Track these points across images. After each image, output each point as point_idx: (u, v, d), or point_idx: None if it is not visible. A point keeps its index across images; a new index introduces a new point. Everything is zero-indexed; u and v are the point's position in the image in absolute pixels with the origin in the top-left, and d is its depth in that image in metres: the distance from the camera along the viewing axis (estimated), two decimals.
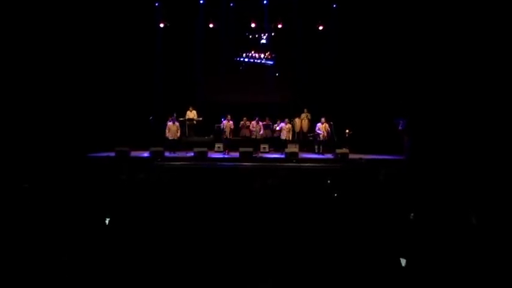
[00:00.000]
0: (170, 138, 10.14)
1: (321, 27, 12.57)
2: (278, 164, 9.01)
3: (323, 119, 10.47)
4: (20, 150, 8.29)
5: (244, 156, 9.33)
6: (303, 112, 11.88)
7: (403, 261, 2.38)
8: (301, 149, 10.96)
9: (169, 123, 10.26)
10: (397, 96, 11.09)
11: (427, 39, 10.36)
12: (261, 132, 10.86)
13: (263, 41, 13.17)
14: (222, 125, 10.62)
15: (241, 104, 12.88)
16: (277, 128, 10.96)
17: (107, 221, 3.27)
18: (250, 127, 10.89)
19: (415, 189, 4.75)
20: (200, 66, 12.99)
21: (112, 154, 9.29)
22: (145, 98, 12.15)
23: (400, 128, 9.77)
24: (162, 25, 12.40)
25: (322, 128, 10.44)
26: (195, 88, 12.94)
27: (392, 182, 5.47)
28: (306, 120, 11.76)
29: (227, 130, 10.39)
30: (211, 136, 11.66)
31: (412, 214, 3.42)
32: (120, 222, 3.31)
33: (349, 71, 12.24)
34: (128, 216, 3.47)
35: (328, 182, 5.30)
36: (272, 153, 10.79)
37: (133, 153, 9.67)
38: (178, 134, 10.27)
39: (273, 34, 13.01)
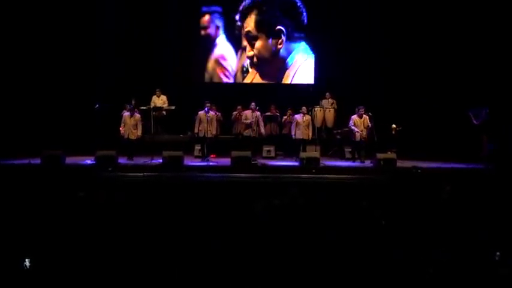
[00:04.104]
0: (126, 136, 10.09)
1: None
2: (289, 175, 8.94)
3: (362, 110, 10.36)
4: None
5: (239, 164, 9.27)
6: (325, 98, 11.86)
7: None
8: (324, 154, 10.88)
9: (126, 115, 10.18)
10: (473, 74, 11.04)
11: None
12: (255, 119, 10.72)
13: None
14: (197, 117, 10.44)
15: (236, 85, 12.85)
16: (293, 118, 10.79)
17: (26, 264, 3.24)
18: (243, 118, 10.82)
19: (501, 214, 4.68)
20: (172, 26, 12.93)
21: (37, 161, 9.22)
22: (88, 76, 12.09)
23: (476, 122, 9.72)
24: None
25: (359, 122, 10.35)
26: (164, 61, 12.90)
27: (462, 202, 5.40)
28: (332, 111, 11.72)
29: (205, 126, 10.20)
30: (189, 133, 11.59)
31: (497, 254, 3.37)
32: (47, 266, 3.27)
33: (397, 34, 12.22)
34: (58, 256, 3.42)
35: (365, 203, 5.23)
36: (280, 160, 10.72)
37: (70, 160, 9.60)
38: (139, 131, 10.21)
39: None
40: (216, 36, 13.17)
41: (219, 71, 13.22)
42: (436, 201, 5.54)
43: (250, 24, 12.96)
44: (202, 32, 13.17)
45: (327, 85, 12.29)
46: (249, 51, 13.00)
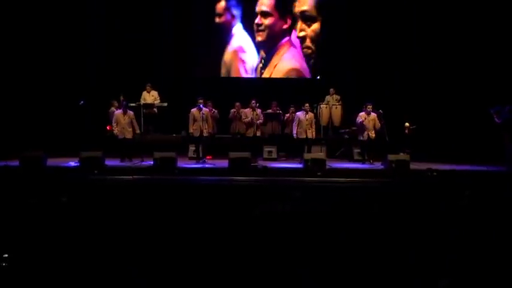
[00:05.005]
0: (122, 136, 10.07)
1: None
2: (293, 178, 8.92)
3: (370, 106, 10.37)
4: None
5: (237, 166, 9.26)
6: (328, 94, 11.90)
7: None
8: (331, 155, 10.87)
9: (117, 113, 10.15)
10: (494, 68, 11.07)
11: None
12: (260, 120, 10.76)
13: None
14: (191, 115, 10.41)
15: (234, 79, 12.85)
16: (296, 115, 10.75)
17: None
18: (243, 117, 10.82)
19: None
20: (166, 13, 12.94)
21: (15, 163, 9.17)
22: (71, 70, 12.06)
23: (498, 121, 9.70)
24: None
25: (368, 120, 10.34)
26: (155, 52, 12.90)
27: (483, 209, 5.39)
28: (339, 107, 11.72)
29: (200, 124, 10.18)
30: (183, 133, 11.58)
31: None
32: (23, 278, 3.26)
33: (412, 25, 12.30)
34: (39, 267, 3.41)
35: (376, 207, 5.23)
36: (283, 162, 10.71)
37: (52, 162, 9.55)
38: (136, 129, 10.18)
39: None
40: (232, 25, 13.21)
41: (238, 64, 13.25)
42: (454, 206, 5.52)
43: (307, 2, 13.02)
44: (217, 20, 13.20)
45: (332, 80, 12.30)
46: (301, 31, 13.05)
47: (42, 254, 3.57)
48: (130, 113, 10.17)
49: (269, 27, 13.02)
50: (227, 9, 13.15)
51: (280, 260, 3.46)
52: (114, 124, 10.06)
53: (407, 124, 10.60)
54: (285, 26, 13.08)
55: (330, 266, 3.43)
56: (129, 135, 10.05)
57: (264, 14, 12.99)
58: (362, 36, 12.65)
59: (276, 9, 13.02)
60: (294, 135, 10.47)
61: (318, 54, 13.09)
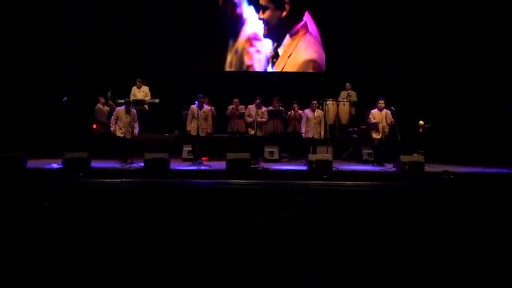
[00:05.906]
0: (119, 135, 10.02)
1: None
2: (296, 181, 8.94)
3: (382, 102, 10.35)
4: None
5: (236, 168, 9.28)
6: (344, 89, 11.90)
7: None
8: (338, 156, 10.90)
9: (120, 109, 10.15)
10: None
11: None
12: (264, 119, 10.74)
13: None
14: (189, 112, 10.44)
15: (233, 74, 12.85)
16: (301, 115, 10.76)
17: None
18: (246, 114, 10.82)
19: None
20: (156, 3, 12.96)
21: None
22: (53, 63, 12.07)
23: None
24: None
25: (381, 118, 10.32)
26: (147, 44, 12.91)
27: (501, 213, 5.40)
28: (346, 104, 11.69)
29: (197, 123, 10.20)
30: (177, 132, 11.58)
31: None
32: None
33: (425, 16, 12.31)
34: (21, 273, 3.41)
35: (387, 213, 5.23)
36: (285, 163, 10.71)
37: (33, 163, 9.58)
38: (136, 130, 10.21)
39: None
40: (240, 11, 13.25)
41: (251, 53, 13.31)
42: (471, 210, 5.52)
43: None
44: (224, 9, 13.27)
45: (341, 74, 12.31)
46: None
47: (24, 261, 3.57)
48: (134, 112, 10.20)
49: (268, 21, 13.09)
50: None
51: (280, 271, 3.46)
52: (113, 121, 10.07)
53: (421, 122, 10.57)
54: (284, 14, 13.09)
55: (337, 278, 3.42)
56: (128, 135, 10.06)
57: (262, 8, 13.10)
58: (371, 27, 12.71)
59: (270, 1, 13.10)
60: (303, 134, 10.49)
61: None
